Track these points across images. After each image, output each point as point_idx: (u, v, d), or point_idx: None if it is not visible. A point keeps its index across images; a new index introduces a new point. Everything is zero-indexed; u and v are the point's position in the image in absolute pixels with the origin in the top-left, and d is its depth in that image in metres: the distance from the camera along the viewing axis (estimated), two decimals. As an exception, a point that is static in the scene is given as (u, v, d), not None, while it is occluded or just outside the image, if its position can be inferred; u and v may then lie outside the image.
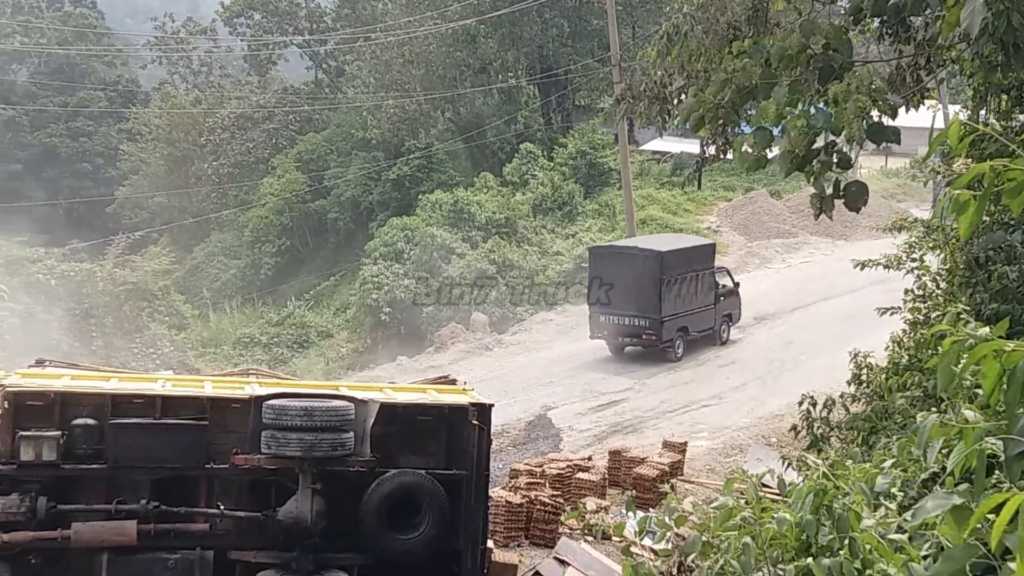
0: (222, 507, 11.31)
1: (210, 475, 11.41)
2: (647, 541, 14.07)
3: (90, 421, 11.16)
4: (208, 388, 11.99)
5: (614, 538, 15.37)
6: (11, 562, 11.08)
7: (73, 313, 33.57)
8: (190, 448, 11.28)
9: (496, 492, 14.83)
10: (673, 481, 17.94)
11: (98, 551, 11.05)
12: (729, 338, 32.13)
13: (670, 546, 9.19)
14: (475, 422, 11.76)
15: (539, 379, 29.43)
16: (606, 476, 17.91)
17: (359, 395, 11.69)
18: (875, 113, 8.52)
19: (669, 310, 29.75)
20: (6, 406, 11.17)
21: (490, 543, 13.02)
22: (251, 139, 62.49)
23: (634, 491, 16.88)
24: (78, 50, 76.81)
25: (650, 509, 15.38)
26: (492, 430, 12.28)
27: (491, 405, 12.14)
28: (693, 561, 6.28)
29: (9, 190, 60.28)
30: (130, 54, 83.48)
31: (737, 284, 33.02)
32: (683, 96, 12.36)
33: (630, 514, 14.56)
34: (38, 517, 11.03)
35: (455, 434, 11.82)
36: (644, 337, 29.99)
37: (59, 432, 11.08)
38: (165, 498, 11.26)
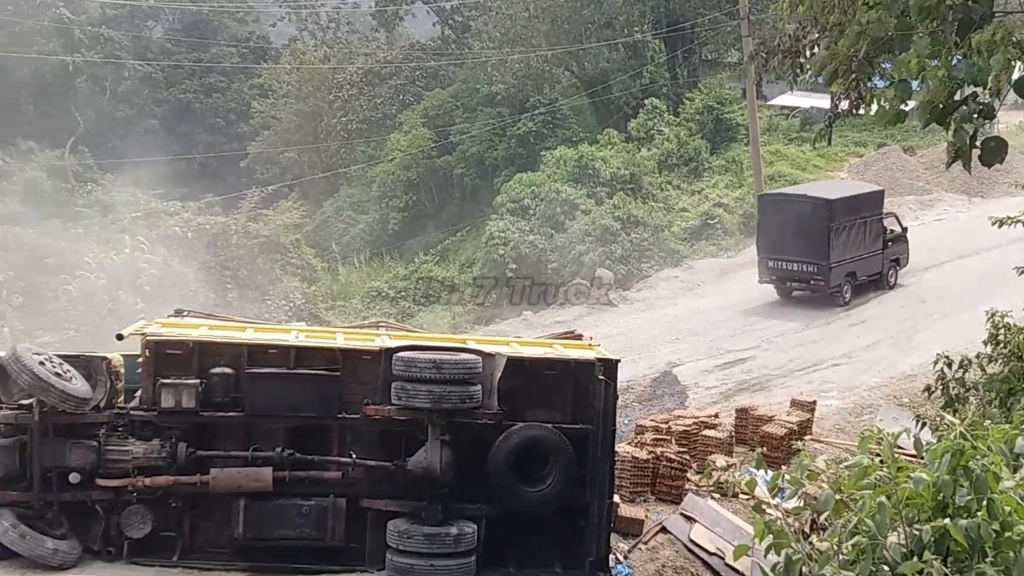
0: (354, 456, 11.57)
1: (342, 425, 11.67)
2: (776, 499, 13.97)
3: (227, 370, 11.50)
4: (340, 340, 12.23)
5: (741, 496, 15.31)
6: (153, 505, 11.52)
7: (208, 265, 34.44)
8: (323, 398, 11.55)
9: (622, 448, 14.85)
10: (805, 439, 17.73)
11: (235, 496, 11.41)
12: (897, 282, 32.21)
13: (801, 504, 9.13)
14: (601, 377, 11.80)
15: (664, 336, 29.30)
16: (733, 434, 17.78)
17: (486, 349, 11.80)
18: (1020, 65, 8.24)
19: (837, 256, 30.25)
20: (147, 355, 11.57)
21: (616, 498, 13.07)
22: (378, 95, 62.91)
23: (763, 449, 16.71)
24: (210, 7, 78.15)
25: (782, 467, 15.24)
26: (618, 386, 12.31)
27: (617, 360, 12.16)
28: (826, 519, 6.23)
29: (146, 145, 61.80)
30: (261, 11, 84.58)
31: (905, 229, 33.25)
32: (815, 49, 12.12)
33: (760, 471, 14.47)
34: (178, 462, 11.44)
35: (581, 389, 11.88)
36: (812, 282, 30.63)
37: (198, 380, 11.44)
38: (299, 446, 11.56)
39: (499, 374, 11.46)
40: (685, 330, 29.61)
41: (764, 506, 12.25)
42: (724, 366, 25.88)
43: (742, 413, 18.82)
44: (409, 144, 55.74)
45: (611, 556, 12.35)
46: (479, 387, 11.29)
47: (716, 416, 18.79)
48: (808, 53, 12.52)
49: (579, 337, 13.53)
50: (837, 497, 5.80)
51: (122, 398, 11.96)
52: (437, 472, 11.22)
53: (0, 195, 42.47)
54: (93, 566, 11.37)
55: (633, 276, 37.37)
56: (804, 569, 5.65)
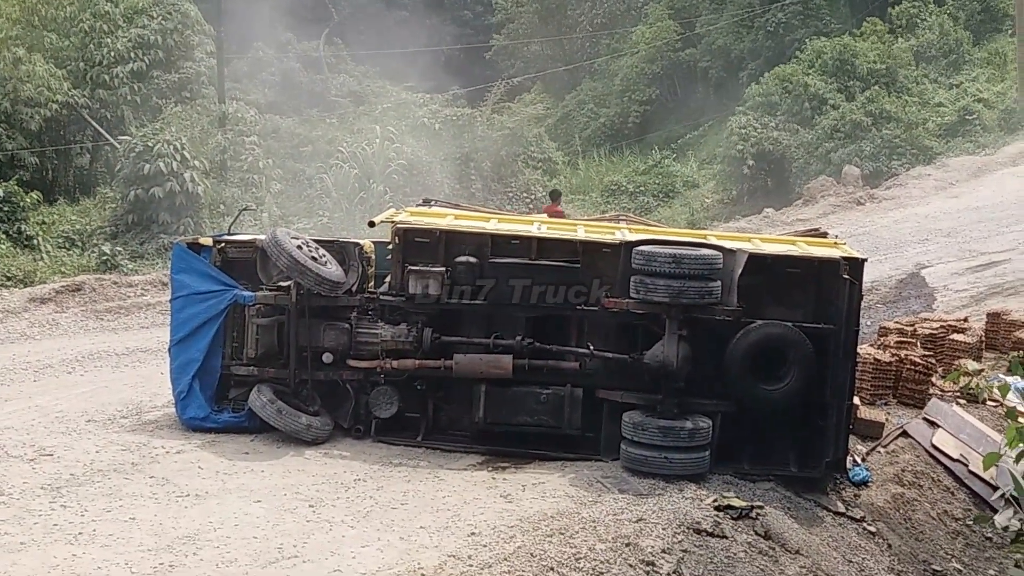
0: (591, 347, 11.74)
1: (581, 316, 11.85)
2: (1024, 407, 13.43)
3: (471, 259, 11.80)
4: (581, 232, 12.35)
5: (988, 403, 14.80)
6: (399, 387, 12.04)
7: (454, 157, 35.03)
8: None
9: (864, 349, 14.53)
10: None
11: (477, 382, 11.79)
12: None
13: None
14: (846, 276, 11.55)
15: (912, 236, 28.25)
16: (983, 339, 17.12)
17: (727, 245, 11.70)
18: None
19: None
20: (397, 242, 12.00)
21: (856, 400, 12.86)
22: (624, -14, 62.24)
23: (1018, 355, 16.02)
24: None
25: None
26: (863, 286, 12.03)
27: (863, 260, 11.88)
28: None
29: (396, 36, 62.94)
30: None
31: None
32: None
33: (1016, 378, 13.92)
34: (424, 347, 11.88)
35: (824, 288, 11.67)
36: None
37: (443, 268, 11.80)
38: (538, 336, 11.82)
39: (740, 270, 11.36)
40: (935, 230, 28.45)
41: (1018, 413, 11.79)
42: (976, 269, 24.77)
43: (994, 318, 18.11)
44: (654, 36, 54.95)
45: (849, 458, 12.20)
46: (719, 283, 11.23)
47: (965, 320, 18.10)
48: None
49: (824, 235, 13.27)
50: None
51: (372, 283, 12.50)
52: (673, 366, 11.26)
53: (260, 85, 44.19)
54: (343, 442, 12.00)
55: (882, 174, 36.07)
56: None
